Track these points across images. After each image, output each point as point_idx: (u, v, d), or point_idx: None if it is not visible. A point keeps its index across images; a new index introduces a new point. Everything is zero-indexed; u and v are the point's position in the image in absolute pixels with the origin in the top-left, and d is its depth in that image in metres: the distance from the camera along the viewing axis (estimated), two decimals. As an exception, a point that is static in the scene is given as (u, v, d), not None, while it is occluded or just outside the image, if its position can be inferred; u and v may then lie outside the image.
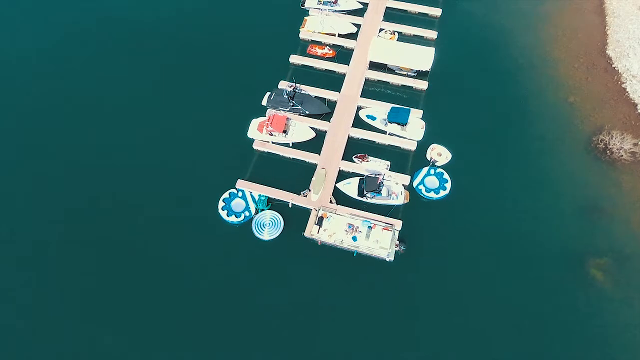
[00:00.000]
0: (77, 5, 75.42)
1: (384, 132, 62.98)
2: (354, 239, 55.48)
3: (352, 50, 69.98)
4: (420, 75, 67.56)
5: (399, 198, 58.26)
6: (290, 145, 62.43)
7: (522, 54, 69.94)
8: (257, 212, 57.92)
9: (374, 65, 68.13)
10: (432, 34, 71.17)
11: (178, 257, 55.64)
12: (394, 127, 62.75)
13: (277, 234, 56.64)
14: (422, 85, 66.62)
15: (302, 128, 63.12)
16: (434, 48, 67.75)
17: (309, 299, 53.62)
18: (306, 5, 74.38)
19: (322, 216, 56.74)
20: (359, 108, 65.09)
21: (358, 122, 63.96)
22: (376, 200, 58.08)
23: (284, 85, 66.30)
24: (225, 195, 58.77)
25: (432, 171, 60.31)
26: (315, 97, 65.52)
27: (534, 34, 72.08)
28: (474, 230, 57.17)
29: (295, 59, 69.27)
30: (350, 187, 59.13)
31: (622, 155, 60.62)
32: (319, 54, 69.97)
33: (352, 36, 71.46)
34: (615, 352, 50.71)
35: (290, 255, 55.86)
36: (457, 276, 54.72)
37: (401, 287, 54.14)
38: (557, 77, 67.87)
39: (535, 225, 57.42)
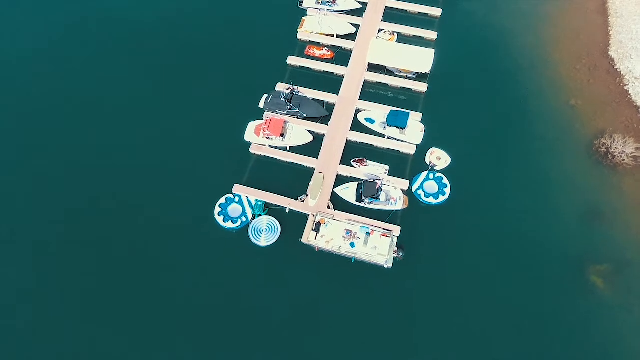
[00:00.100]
0: (73, 7, 74.27)
1: (383, 136, 62.17)
2: (352, 245, 54.83)
3: (351, 51, 68.95)
4: (419, 77, 66.61)
5: (398, 203, 57.55)
6: (288, 149, 61.62)
7: (523, 55, 68.95)
8: (254, 218, 57.23)
9: (373, 67, 67.16)
10: (432, 35, 70.12)
11: (174, 264, 54.99)
12: (392, 131, 61.90)
13: (274, 240, 55.98)
14: (422, 87, 65.70)
15: (299, 131, 62.30)
16: (433, 50, 66.74)
17: (307, 306, 53.01)
18: (304, 5, 73.26)
19: (319, 222, 56.05)
20: (357, 111, 64.20)
21: (356, 126, 63.11)
22: (375, 206, 57.37)
23: (281, 87, 65.38)
24: (222, 200, 58.03)
25: (431, 175, 59.55)
26: (313, 99, 64.62)
27: (535, 35, 71.05)
28: (474, 236, 56.48)
29: (293, 60, 68.30)
30: (348, 192, 58.40)
31: (623, 160, 59.82)
32: (317, 55, 68.99)
33: (351, 37, 70.40)
34: (616, 360, 50.36)
35: (288, 261, 55.22)
36: (457, 283, 54.10)
37: (399, 294, 53.52)
38: (558, 79, 66.94)
39: (535, 231, 56.72)
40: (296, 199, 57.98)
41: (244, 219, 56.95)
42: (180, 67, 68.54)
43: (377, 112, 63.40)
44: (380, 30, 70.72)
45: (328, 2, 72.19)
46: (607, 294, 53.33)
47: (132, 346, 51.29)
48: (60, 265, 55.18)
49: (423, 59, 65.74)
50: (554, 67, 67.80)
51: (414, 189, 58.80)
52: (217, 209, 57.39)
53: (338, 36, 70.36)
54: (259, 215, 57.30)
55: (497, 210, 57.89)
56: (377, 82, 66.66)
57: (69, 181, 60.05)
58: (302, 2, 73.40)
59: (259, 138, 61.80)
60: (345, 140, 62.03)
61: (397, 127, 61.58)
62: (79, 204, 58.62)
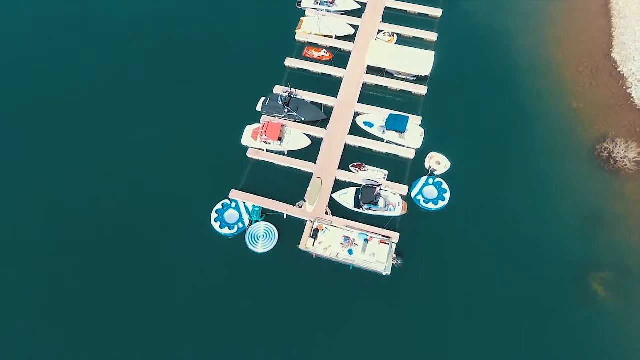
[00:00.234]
0: (63, 8, 73.07)
1: (382, 140, 61.30)
2: (350, 252, 54.13)
3: (350, 53, 67.93)
4: (419, 79, 65.64)
5: (397, 209, 56.79)
6: (285, 153, 60.79)
7: (525, 57, 67.89)
8: (251, 224, 56.49)
9: (372, 69, 66.17)
10: (432, 36, 69.05)
11: (169, 271, 54.22)
12: (392, 135, 61.05)
13: (272, 247, 55.27)
14: (422, 90, 64.74)
15: (297, 135, 61.44)
16: (433, 52, 65.70)
17: (304, 314, 52.36)
18: (302, 5, 72.15)
19: (317, 228, 55.33)
20: (356, 114, 63.30)
21: (355, 129, 62.23)
22: (373, 212, 56.63)
23: (279, 90, 64.42)
24: (219, 206, 57.26)
25: (430, 181, 58.75)
26: (311, 102, 63.71)
27: (537, 36, 69.96)
28: (474, 242, 55.72)
29: (291, 62, 67.29)
30: (346, 198, 57.63)
31: (626, 165, 58.97)
32: (315, 57, 67.95)
33: (350, 38, 69.37)
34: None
35: (285, 269, 54.47)
36: (456, 290, 53.41)
37: (398, 302, 52.87)
38: (560, 82, 65.94)
39: (536, 238, 55.95)
40: (294, 205, 57.22)
41: (240, 225, 56.21)
42: (175, 69, 67.40)
43: (376, 116, 62.49)
44: (379, 32, 69.68)
45: (327, 2, 71.07)
46: (608, 301, 52.60)
47: (126, 354, 50.60)
48: (54, 269, 54.44)
49: (423, 62, 64.74)
50: (555, 70, 66.78)
51: (413, 194, 58.02)
52: (214, 215, 56.62)
53: (337, 37, 69.34)
54: (256, 221, 56.54)
55: (498, 216, 57.13)
56: (376, 84, 65.69)
57: (66, 183, 59.20)
58: (300, 2, 72.31)
59: (256, 142, 60.95)
60: (344, 144, 61.16)
61: (397, 131, 60.70)
62: (72, 207, 57.81)
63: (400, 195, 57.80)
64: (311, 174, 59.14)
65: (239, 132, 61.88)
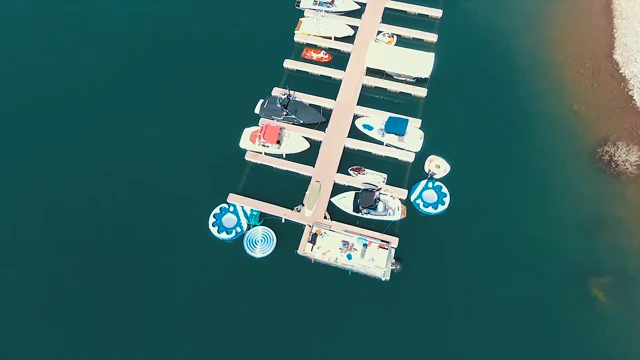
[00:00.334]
0: (61, 9, 72.58)
1: (381, 143, 60.79)
2: (349, 257, 53.73)
3: (349, 54, 67.30)
4: (419, 81, 65.05)
5: (396, 213, 56.35)
6: (284, 156, 60.30)
7: (526, 58, 67.33)
8: (249, 228, 56.07)
9: (372, 71, 65.57)
10: (432, 37, 68.41)
11: (166, 276, 53.81)
12: (391, 138, 60.53)
13: (270, 251, 54.85)
14: (421, 92, 64.15)
15: (296, 138, 60.94)
16: (433, 54, 65.09)
17: (302, 319, 52.01)
18: (301, 5, 71.49)
19: (316, 233, 54.91)
20: (355, 117, 62.76)
21: (354, 132, 61.71)
22: (372, 216, 56.20)
23: (277, 92, 63.85)
24: (216, 210, 56.81)
25: (430, 184, 58.27)
26: (309, 105, 63.14)
27: (538, 37, 69.37)
28: (473, 247, 55.32)
29: (289, 63, 66.69)
30: (345, 202, 57.18)
31: (627, 168, 58.49)
32: (314, 59, 67.36)
33: (349, 39, 68.73)
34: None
35: (283, 274, 54.10)
36: (456, 295, 53.04)
37: (397, 307, 52.50)
38: (561, 84, 65.39)
39: (536, 242, 55.54)
40: (292, 209, 56.77)
41: (238, 229, 55.79)
42: (172, 71, 66.82)
43: (375, 119, 61.96)
44: (379, 33, 69.02)
45: (326, 3, 70.40)
46: (608, 307, 52.27)
47: (125, 356, 50.31)
48: (53, 269, 54.17)
49: (423, 64, 64.15)
50: (557, 71, 66.21)
51: (412, 198, 57.57)
52: (212, 220, 56.20)
53: (336, 38, 68.71)
54: (254, 226, 56.13)
55: (498, 220, 56.70)
56: (375, 86, 65.11)
57: (65, 184, 58.87)
58: (299, 2, 71.61)
59: (254, 145, 60.45)
60: (343, 147, 60.66)
61: (396, 134, 60.18)
62: (71, 207, 57.51)
63: (400, 199, 57.35)
64: (310, 178, 58.67)
65: (237, 134, 61.40)
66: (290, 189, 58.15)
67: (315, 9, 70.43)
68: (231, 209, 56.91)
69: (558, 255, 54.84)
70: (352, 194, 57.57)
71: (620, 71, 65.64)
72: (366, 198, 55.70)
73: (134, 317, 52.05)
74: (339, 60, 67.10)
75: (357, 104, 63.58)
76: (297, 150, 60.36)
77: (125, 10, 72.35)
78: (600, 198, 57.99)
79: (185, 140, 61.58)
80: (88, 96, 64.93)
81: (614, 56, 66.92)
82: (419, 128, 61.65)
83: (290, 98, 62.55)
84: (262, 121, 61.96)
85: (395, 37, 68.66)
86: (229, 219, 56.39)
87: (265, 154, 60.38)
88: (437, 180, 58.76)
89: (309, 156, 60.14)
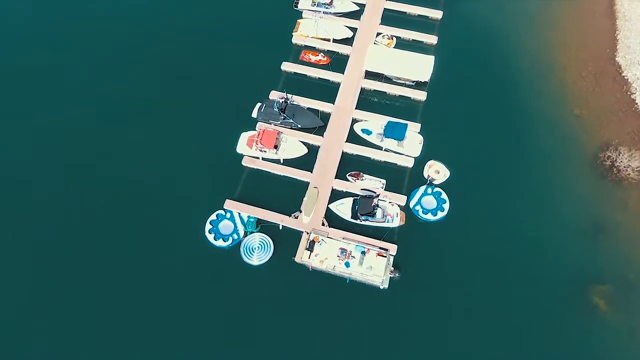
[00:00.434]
0: (69, 8, 71.77)
1: (380, 148, 59.99)
2: (347, 264, 53.09)
3: (348, 56, 66.34)
4: (419, 84, 64.16)
5: (395, 220, 55.65)
6: (281, 162, 59.52)
7: (527, 61, 66.43)
8: (245, 235, 55.39)
9: (370, 74, 64.64)
10: (432, 39, 67.44)
11: (162, 284, 53.14)
12: (390, 143, 59.72)
13: (267, 259, 54.21)
14: (421, 96, 63.27)
15: (293, 143, 60.13)
16: (433, 57, 64.13)
17: (300, 328, 51.43)
18: (299, 6, 70.41)
19: (313, 240, 54.23)
20: (354, 121, 61.91)
21: (353, 137, 60.88)
22: (371, 223, 55.50)
23: (275, 96, 62.91)
24: (213, 216, 56.09)
25: (429, 190, 57.53)
26: (307, 109, 62.28)
27: (539, 39, 68.43)
28: (473, 254, 54.63)
29: (287, 66, 65.73)
30: (343, 208, 56.46)
31: (629, 174, 57.78)
32: (312, 61, 66.39)
33: (348, 41, 67.75)
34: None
35: (280, 281, 53.44)
36: (455, 303, 52.42)
37: (396, 316, 51.90)
38: (563, 87, 64.54)
39: (537, 249, 54.93)
40: (290, 215, 56.07)
41: (235, 236, 55.11)
42: (168, 74, 65.82)
43: (374, 123, 61.12)
44: (378, 34, 68.03)
45: (324, 4, 69.35)
46: (609, 316, 51.69)
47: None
48: (51, 269, 53.82)
49: (422, 67, 63.24)
50: (558, 74, 65.32)
51: (411, 204, 56.85)
52: (208, 226, 55.49)
53: (334, 40, 67.73)
54: (251, 233, 55.45)
55: (498, 227, 56.02)
56: (374, 90, 64.20)
57: (62, 187, 58.29)
58: (298, 3, 70.56)
59: (251, 150, 59.66)
60: (341, 152, 59.86)
61: (395, 139, 59.37)
62: (70, 207, 57.01)
63: (399, 205, 56.63)
64: (307, 183, 57.94)
65: (234, 139, 60.61)
66: (288, 195, 57.43)
67: (313, 10, 69.33)
68: (228, 215, 56.20)
69: (559, 263, 54.23)
70: (350, 200, 56.84)
71: (623, 74, 64.75)
72: (365, 205, 54.98)
73: (129, 325, 51.45)
74: (338, 62, 66.18)
75: (355, 108, 62.71)
76: (295, 155, 59.59)
77: (123, 11, 71.29)
78: (602, 204, 57.28)
79: (181, 145, 60.77)
80: (87, 100, 64.06)
81: (616, 59, 66.00)
82: (419, 132, 60.85)
83: (288, 102, 61.68)
84: (260, 125, 61.15)
85: (394, 38, 67.70)
86: (225, 226, 55.71)
87: (263, 159, 59.60)
88: (436, 185, 58.02)
89: (307, 161, 59.37)
